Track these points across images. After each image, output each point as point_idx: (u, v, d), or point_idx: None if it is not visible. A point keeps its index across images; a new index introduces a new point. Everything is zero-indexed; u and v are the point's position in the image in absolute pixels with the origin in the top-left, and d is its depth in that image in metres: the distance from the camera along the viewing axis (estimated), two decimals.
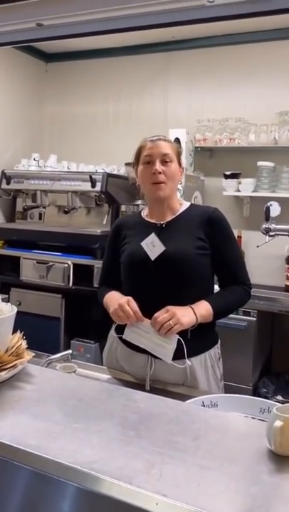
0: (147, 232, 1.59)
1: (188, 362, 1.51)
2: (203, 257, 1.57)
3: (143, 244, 1.57)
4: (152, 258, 1.55)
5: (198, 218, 1.61)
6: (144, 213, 1.72)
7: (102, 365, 1.78)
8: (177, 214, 1.64)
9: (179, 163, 1.62)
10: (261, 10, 0.73)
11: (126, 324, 1.54)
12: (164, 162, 1.56)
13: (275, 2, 0.70)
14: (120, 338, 1.60)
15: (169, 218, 1.63)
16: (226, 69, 3.55)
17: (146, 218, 1.69)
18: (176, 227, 1.61)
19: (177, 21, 0.80)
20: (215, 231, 1.59)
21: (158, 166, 1.55)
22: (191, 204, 1.71)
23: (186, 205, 1.68)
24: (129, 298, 1.52)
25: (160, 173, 1.55)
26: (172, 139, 1.67)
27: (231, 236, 1.64)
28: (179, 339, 1.47)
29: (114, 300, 1.56)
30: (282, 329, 3.34)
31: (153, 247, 1.55)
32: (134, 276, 1.63)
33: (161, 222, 1.63)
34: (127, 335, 1.55)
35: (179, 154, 1.63)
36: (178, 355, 1.49)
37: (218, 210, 1.65)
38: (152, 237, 1.57)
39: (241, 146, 3.35)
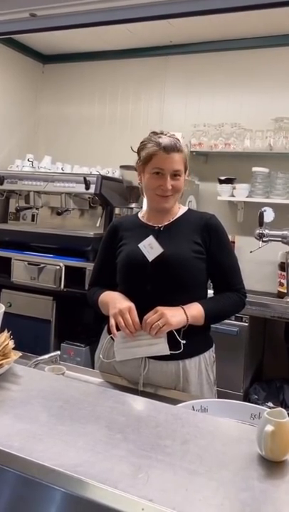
0: (145, 235, 1.58)
1: (182, 342, 1.48)
2: (199, 261, 1.58)
3: (140, 245, 1.56)
4: (150, 260, 1.54)
5: (195, 223, 1.61)
6: (141, 215, 1.71)
7: (92, 368, 1.75)
8: (175, 218, 1.64)
9: (185, 170, 1.57)
10: (259, 3, 0.71)
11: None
12: (173, 176, 1.53)
13: None
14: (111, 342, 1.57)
15: (166, 222, 1.63)
16: (223, 74, 3.55)
17: (143, 220, 1.68)
18: (173, 231, 1.61)
19: (174, 13, 0.79)
20: (211, 237, 1.59)
21: (168, 183, 1.52)
22: (189, 209, 1.71)
23: (184, 209, 1.68)
24: (131, 305, 1.50)
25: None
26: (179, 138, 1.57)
27: (227, 243, 1.65)
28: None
29: (116, 301, 1.54)
30: (274, 335, 3.32)
31: (151, 248, 1.55)
32: (131, 278, 1.61)
33: (159, 225, 1.62)
34: (118, 355, 1.55)
35: (186, 162, 1.57)
36: (173, 354, 1.49)
37: (215, 217, 1.65)
38: (150, 239, 1.56)
39: (236, 152, 3.35)
